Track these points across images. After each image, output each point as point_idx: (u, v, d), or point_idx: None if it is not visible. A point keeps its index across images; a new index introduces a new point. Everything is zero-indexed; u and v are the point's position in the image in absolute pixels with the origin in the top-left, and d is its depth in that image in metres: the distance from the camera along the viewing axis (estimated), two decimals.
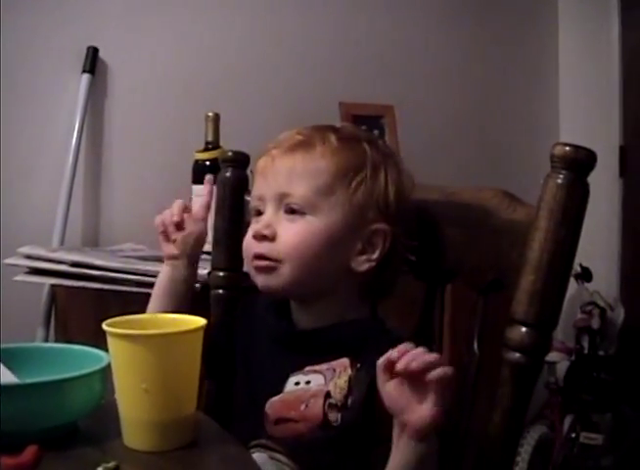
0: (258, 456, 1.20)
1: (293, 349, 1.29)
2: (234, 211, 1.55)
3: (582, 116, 3.59)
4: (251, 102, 2.81)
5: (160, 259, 2.03)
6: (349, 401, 1.19)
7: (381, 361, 1.03)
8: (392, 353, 1.02)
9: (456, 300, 1.44)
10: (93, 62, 2.51)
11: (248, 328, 1.38)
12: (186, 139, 2.45)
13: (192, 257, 1.48)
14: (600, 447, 3.06)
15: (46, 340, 2.32)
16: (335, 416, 1.19)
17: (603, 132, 3.39)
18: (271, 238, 1.25)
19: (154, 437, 0.97)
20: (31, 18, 2.42)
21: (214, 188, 1.56)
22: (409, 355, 1.01)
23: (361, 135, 1.33)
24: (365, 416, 1.17)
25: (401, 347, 1.02)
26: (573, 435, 3.07)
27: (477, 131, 3.39)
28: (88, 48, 2.51)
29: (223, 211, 1.57)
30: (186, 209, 1.49)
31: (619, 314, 3.26)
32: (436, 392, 1.00)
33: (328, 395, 1.20)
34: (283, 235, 1.24)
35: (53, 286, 2.31)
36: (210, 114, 2.33)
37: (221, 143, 2.30)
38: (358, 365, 1.20)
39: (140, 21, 2.63)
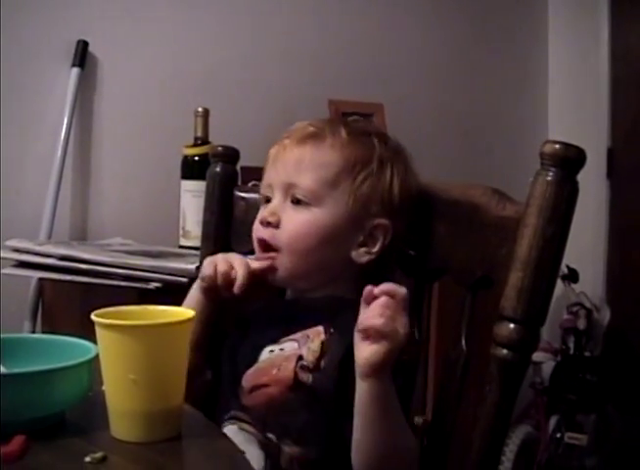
0: (229, 429, 1.23)
1: (272, 320, 1.31)
2: (223, 206, 1.55)
3: (570, 117, 3.61)
4: (240, 98, 2.81)
5: (147, 254, 2.04)
6: (322, 364, 1.20)
7: (364, 293, 1.06)
8: (375, 289, 1.05)
9: (444, 296, 1.45)
10: (83, 56, 2.51)
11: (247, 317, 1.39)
12: (175, 134, 2.45)
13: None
14: (584, 448, 3.08)
15: (33, 333, 2.31)
16: (306, 377, 1.20)
17: (591, 134, 3.40)
18: (275, 225, 1.27)
19: (141, 428, 0.97)
20: (21, 12, 2.41)
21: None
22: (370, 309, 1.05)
23: (372, 130, 1.35)
24: (340, 380, 1.18)
25: (387, 285, 1.05)
26: (558, 435, 3.09)
27: (466, 130, 3.40)
28: (78, 42, 2.50)
29: (212, 206, 1.57)
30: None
31: (605, 315, 3.28)
32: (374, 334, 1.04)
33: (300, 357, 1.21)
34: (286, 223, 1.27)
35: (40, 279, 2.31)
36: (200, 109, 2.32)
37: (210, 138, 2.30)
38: (332, 330, 1.22)
39: (130, 15, 2.62)
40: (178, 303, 1.43)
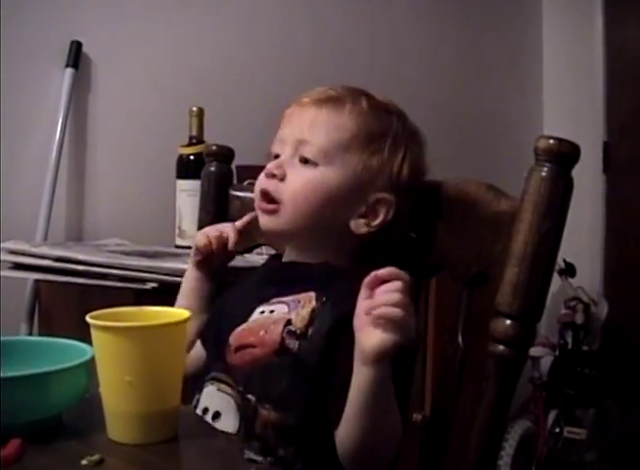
0: (208, 389, 1.23)
1: (265, 282, 1.31)
2: (218, 205, 1.55)
3: (566, 111, 3.60)
4: (235, 97, 2.80)
5: (144, 254, 2.04)
6: (310, 331, 1.19)
7: (368, 277, 1.04)
8: (381, 272, 1.03)
9: (441, 292, 1.45)
10: (76, 56, 2.50)
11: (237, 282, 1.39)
12: (170, 134, 2.44)
13: (214, 270, 1.46)
14: (584, 442, 3.07)
15: (30, 335, 2.31)
16: (292, 343, 1.19)
17: (586, 128, 3.40)
18: (280, 178, 1.27)
19: (138, 429, 0.97)
20: (14, 12, 2.41)
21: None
22: (378, 293, 1.03)
23: (392, 108, 1.35)
24: (326, 350, 1.16)
25: (391, 269, 1.04)
26: (557, 429, 3.08)
27: (461, 127, 3.40)
28: (72, 42, 2.50)
29: (208, 205, 1.57)
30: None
31: (603, 309, 3.28)
32: (387, 323, 1.01)
33: (289, 322, 1.20)
34: (292, 178, 1.27)
35: (36, 281, 2.30)
36: (195, 108, 2.32)
37: (205, 138, 2.30)
38: (324, 298, 1.21)
39: (124, 15, 2.61)
40: (175, 303, 1.44)
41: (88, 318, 0.98)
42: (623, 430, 3.21)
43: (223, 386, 1.22)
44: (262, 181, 1.29)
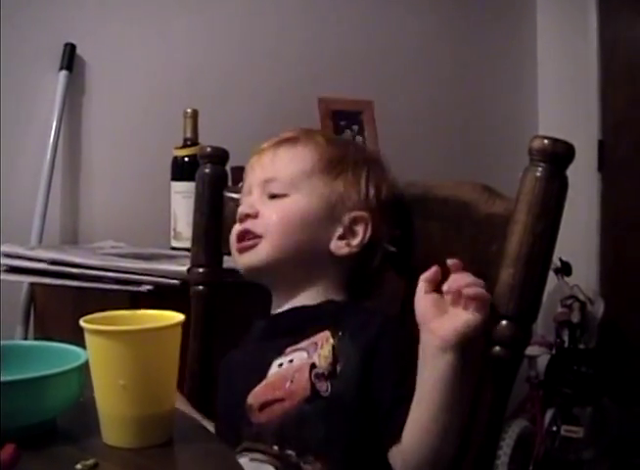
0: (241, 462, 1.16)
1: (273, 335, 1.29)
2: (213, 208, 1.54)
3: (561, 110, 3.61)
4: (229, 98, 2.80)
5: (139, 257, 2.04)
6: (338, 369, 1.18)
7: (427, 273, 1.07)
8: (429, 273, 1.07)
9: None
10: (70, 59, 2.50)
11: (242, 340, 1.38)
12: (164, 136, 2.44)
13: None
14: (581, 441, 3.08)
15: (25, 338, 2.30)
16: (324, 386, 1.18)
17: (581, 126, 3.41)
18: (254, 215, 1.29)
19: (132, 433, 0.97)
20: (8, 14, 2.40)
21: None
22: (458, 278, 1.05)
23: (347, 139, 1.39)
24: (361, 383, 1.16)
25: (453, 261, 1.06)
26: (555, 428, 3.09)
27: (455, 126, 3.40)
28: (65, 45, 2.49)
29: (202, 207, 1.56)
30: None
31: (599, 308, 3.28)
32: (468, 307, 1.04)
33: (313, 366, 1.19)
34: (265, 212, 1.29)
35: (32, 284, 2.30)
36: (189, 110, 2.32)
37: (200, 139, 2.29)
38: (340, 333, 1.21)
39: (117, 17, 2.61)
40: (171, 305, 1.43)
41: (82, 322, 0.98)
42: (621, 428, 3.21)
43: (256, 454, 1.18)
44: (237, 226, 1.32)
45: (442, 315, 1.05)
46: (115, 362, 0.96)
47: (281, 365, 1.23)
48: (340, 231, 1.29)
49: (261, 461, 1.17)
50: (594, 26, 3.51)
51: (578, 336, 3.19)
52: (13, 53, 2.42)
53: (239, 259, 1.32)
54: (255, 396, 1.23)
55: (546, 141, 1.08)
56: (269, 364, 1.24)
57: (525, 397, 3.16)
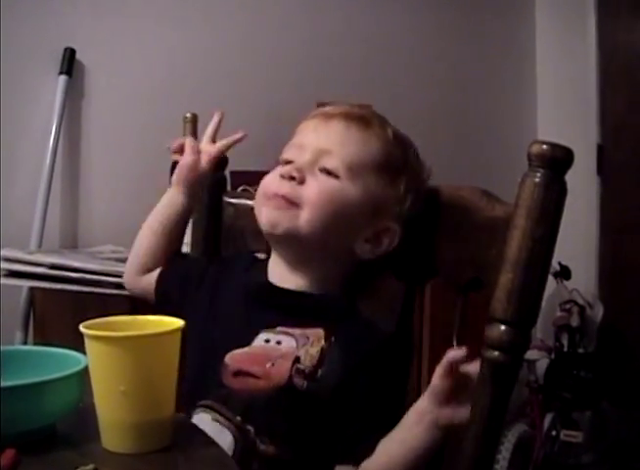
0: (202, 417, 1.21)
1: (269, 306, 1.28)
2: (212, 212, 1.54)
3: (560, 114, 3.61)
4: (228, 103, 2.79)
5: None
6: (319, 373, 1.20)
7: (455, 354, 1.08)
8: (457, 354, 1.08)
9: (435, 298, 1.45)
10: (70, 63, 2.50)
11: (221, 281, 1.37)
12: (164, 140, 2.43)
13: (187, 184, 1.48)
14: (580, 445, 3.08)
15: (25, 343, 2.31)
16: (301, 382, 1.19)
17: (580, 130, 3.41)
18: (299, 181, 1.24)
19: (132, 439, 0.97)
20: (7, 19, 2.41)
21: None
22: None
23: (410, 142, 1.36)
24: (335, 396, 1.18)
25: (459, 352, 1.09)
26: (554, 433, 3.09)
27: (454, 130, 3.40)
28: (65, 49, 2.50)
29: (201, 212, 1.56)
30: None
31: (598, 312, 3.28)
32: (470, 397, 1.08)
33: (297, 359, 1.20)
34: (312, 183, 1.24)
35: (31, 289, 2.30)
36: (188, 115, 2.31)
37: None
38: (332, 339, 1.22)
39: (117, 22, 2.62)
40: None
41: (82, 328, 0.98)
42: (620, 432, 3.21)
43: (220, 417, 1.20)
44: (277, 183, 1.25)
45: (449, 403, 1.09)
46: (116, 368, 0.96)
47: (267, 341, 1.23)
48: (368, 234, 1.26)
49: (222, 425, 1.20)
50: (593, 30, 3.51)
51: (577, 340, 3.18)
52: (12, 57, 2.43)
53: (264, 212, 1.26)
54: (233, 358, 1.24)
55: (545, 146, 1.08)
56: (255, 333, 1.24)
57: (525, 401, 3.15)
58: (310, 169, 1.25)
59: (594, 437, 3.15)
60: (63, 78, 2.49)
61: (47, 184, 2.41)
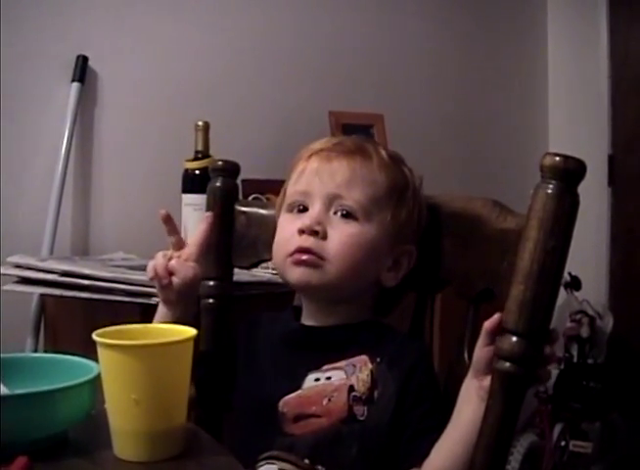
0: (267, 469, 1.19)
1: (309, 347, 1.29)
2: (224, 221, 1.54)
3: (571, 125, 3.61)
4: (241, 111, 2.81)
5: None
6: (375, 395, 1.21)
7: (490, 322, 1.09)
8: (494, 321, 1.09)
9: (446, 309, 1.45)
10: (83, 71, 2.51)
11: (251, 340, 1.37)
12: (176, 148, 2.44)
13: (188, 300, 1.37)
14: (589, 456, 3.07)
15: (35, 350, 2.31)
16: (361, 409, 1.20)
17: (592, 141, 3.40)
18: (322, 236, 1.24)
19: (144, 447, 0.97)
20: (21, 27, 2.42)
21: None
22: None
23: (401, 158, 1.35)
24: (393, 414, 1.19)
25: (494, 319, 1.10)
26: (563, 443, 3.08)
27: (466, 141, 3.40)
28: (78, 57, 2.51)
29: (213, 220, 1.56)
30: (180, 244, 1.42)
31: (608, 323, 3.27)
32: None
33: (352, 388, 1.21)
34: (335, 235, 1.24)
35: (42, 295, 2.30)
36: (200, 123, 2.32)
37: (211, 152, 2.30)
38: (378, 359, 1.23)
39: (130, 29, 2.62)
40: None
41: (95, 336, 0.98)
42: (629, 443, 3.20)
43: (286, 465, 1.18)
44: (301, 239, 1.25)
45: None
46: (128, 376, 0.97)
47: (317, 380, 1.24)
48: (390, 263, 1.28)
49: None
50: (605, 41, 3.51)
51: (587, 351, 3.18)
52: (25, 65, 2.44)
53: (293, 271, 1.26)
54: (288, 404, 1.24)
55: (557, 158, 1.08)
56: (303, 376, 1.25)
57: (534, 411, 3.14)
58: (326, 219, 1.25)
59: (603, 448, 3.14)
60: (75, 86, 2.50)
61: (59, 191, 2.42)
